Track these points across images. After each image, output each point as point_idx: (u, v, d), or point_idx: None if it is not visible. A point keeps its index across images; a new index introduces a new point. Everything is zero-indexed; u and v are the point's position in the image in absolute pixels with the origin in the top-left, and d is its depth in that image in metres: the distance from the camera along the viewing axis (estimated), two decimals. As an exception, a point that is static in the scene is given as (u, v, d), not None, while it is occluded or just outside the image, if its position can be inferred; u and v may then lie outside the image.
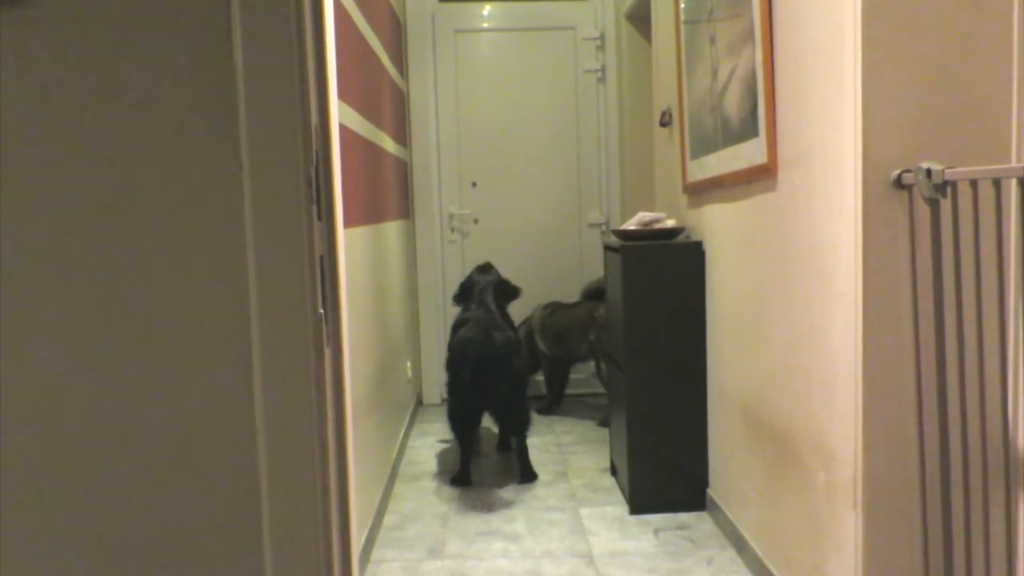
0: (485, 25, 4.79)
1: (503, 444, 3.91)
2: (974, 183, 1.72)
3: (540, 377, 4.68)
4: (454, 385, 3.48)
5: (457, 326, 3.73)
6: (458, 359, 3.45)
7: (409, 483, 3.50)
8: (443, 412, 4.22)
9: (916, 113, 1.74)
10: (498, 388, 3.39)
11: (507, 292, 3.91)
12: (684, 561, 2.65)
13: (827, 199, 1.92)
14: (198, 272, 1.17)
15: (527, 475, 3.51)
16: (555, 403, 4.61)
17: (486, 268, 3.96)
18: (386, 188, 3.69)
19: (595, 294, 4.23)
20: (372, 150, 3.26)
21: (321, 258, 1.23)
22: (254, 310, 1.18)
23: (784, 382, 2.25)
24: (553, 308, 4.43)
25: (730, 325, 2.73)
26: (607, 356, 4.08)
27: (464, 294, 3.91)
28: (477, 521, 3.05)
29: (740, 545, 2.65)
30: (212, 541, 1.20)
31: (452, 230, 4.85)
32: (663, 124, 3.50)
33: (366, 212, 3.05)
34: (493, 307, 3.72)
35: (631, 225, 3.19)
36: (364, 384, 2.84)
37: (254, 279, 1.17)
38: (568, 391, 4.76)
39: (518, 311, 4.38)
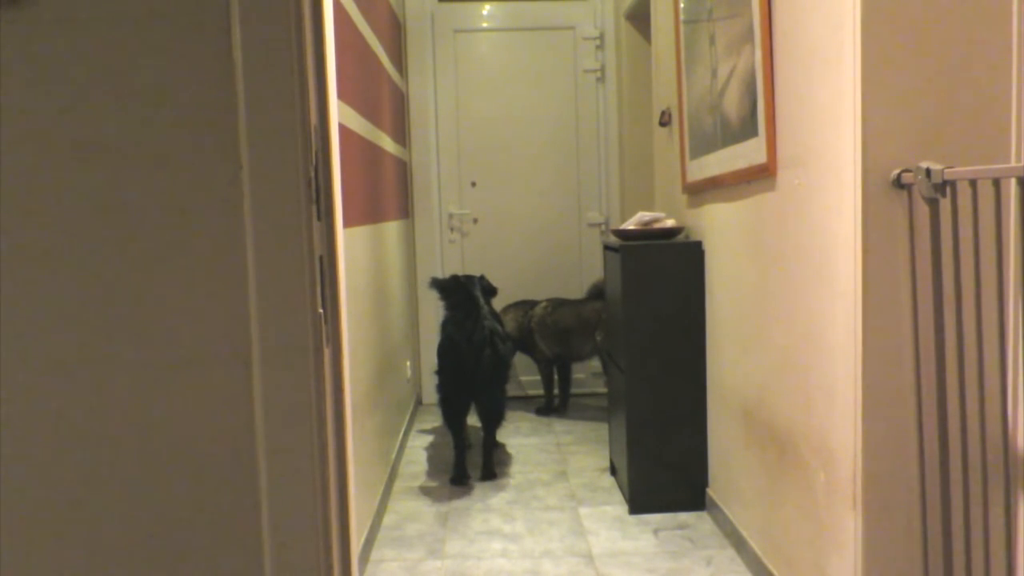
0: (485, 25, 4.79)
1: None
2: (974, 183, 1.72)
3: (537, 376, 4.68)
4: (439, 370, 3.56)
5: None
6: (443, 345, 3.55)
7: (409, 482, 3.50)
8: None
9: (916, 113, 1.74)
10: (478, 374, 3.42)
11: (488, 289, 3.95)
12: (683, 561, 2.65)
13: (827, 199, 1.92)
14: (198, 272, 1.17)
15: (487, 472, 3.53)
16: (563, 404, 4.56)
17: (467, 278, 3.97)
18: (385, 188, 3.69)
19: (602, 293, 4.14)
20: (372, 150, 3.26)
21: (320, 258, 1.23)
22: (254, 310, 1.18)
23: (784, 382, 2.25)
24: (556, 304, 4.36)
25: (730, 325, 2.73)
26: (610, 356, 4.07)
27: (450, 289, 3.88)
28: (477, 521, 3.05)
29: (740, 545, 2.65)
30: (212, 541, 1.20)
31: (452, 230, 4.85)
32: (663, 124, 3.50)
33: (366, 212, 3.05)
34: (481, 300, 3.74)
35: (630, 225, 3.19)
36: (364, 384, 2.84)
37: (254, 279, 1.17)
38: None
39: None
